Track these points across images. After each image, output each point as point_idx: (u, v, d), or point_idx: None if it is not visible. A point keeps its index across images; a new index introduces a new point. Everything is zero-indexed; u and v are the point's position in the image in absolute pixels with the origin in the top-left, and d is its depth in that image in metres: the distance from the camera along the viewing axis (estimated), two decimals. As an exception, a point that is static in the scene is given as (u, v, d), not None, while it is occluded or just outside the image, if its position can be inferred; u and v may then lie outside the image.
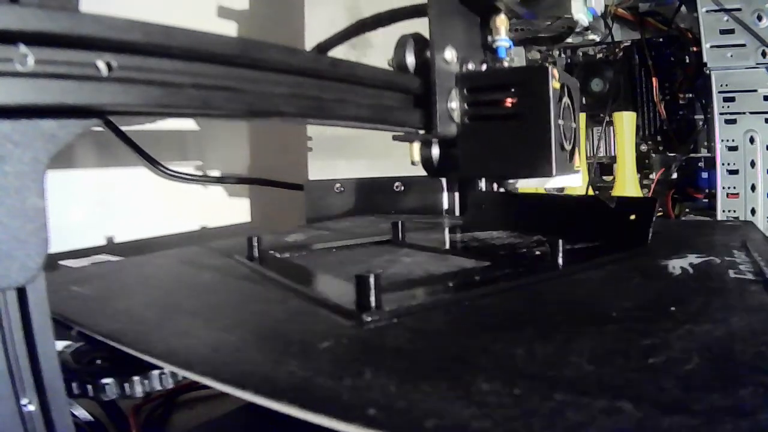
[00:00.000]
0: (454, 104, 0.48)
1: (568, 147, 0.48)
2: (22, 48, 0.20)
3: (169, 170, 0.85)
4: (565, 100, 0.47)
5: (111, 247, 0.75)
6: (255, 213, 1.03)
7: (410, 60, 0.46)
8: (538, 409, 0.18)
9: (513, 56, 0.53)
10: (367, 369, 0.21)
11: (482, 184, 0.61)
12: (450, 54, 0.47)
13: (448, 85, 0.47)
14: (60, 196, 0.70)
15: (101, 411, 0.42)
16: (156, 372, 0.26)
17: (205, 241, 0.58)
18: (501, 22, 0.50)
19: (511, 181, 0.56)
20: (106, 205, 0.76)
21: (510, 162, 0.47)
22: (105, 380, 0.27)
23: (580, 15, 0.57)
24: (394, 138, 0.49)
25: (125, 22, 0.23)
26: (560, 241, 0.37)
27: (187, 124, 0.92)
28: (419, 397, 0.19)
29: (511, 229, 0.54)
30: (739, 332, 0.25)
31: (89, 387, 0.27)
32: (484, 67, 0.51)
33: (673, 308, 0.29)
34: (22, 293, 0.22)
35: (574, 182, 0.52)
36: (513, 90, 0.46)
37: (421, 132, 0.47)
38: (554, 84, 0.45)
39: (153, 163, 0.82)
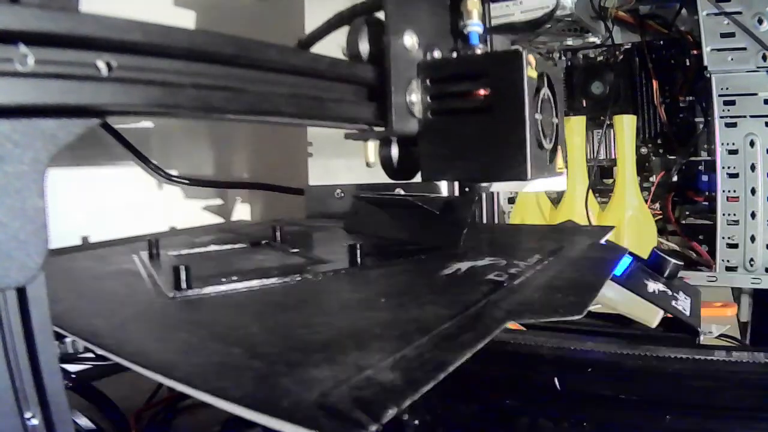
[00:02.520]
0: (415, 97, 0.42)
1: (547, 146, 0.42)
2: (22, 48, 0.20)
3: (169, 174, 0.85)
4: (545, 91, 0.42)
5: (86, 246, 0.74)
6: (255, 216, 1.03)
7: (363, 47, 0.41)
8: (194, 348, 0.27)
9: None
10: (139, 324, 0.32)
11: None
12: (410, 40, 0.41)
13: (408, 74, 0.42)
14: (60, 197, 0.70)
15: (103, 417, 0.43)
16: (69, 339, 0.34)
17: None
18: (473, 4, 0.44)
19: (484, 184, 0.52)
20: (104, 208, 0.77)
21: (478, 163, 0.41)
22: None
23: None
24: (347, 136, 0.44)
25: (125, 22, 0.23)
26: (359, 244, 0.44)
27: (186, 126, 0.92)
28: (155, 344, 0.28)
29: (375, 231, 0.60)
30: (393, 321, 0.30)
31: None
32: (454, 55, 0.45)
33: (383, 300, 0.34)
34: (21, 293, 0.22)
35: (558, 185, 0.49)
36: (482, 79, 0.40)
37: (377, 129, 0.42)
38: (530, 71, 0.39)
39: (152, 166, 0.82)
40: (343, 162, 0.83)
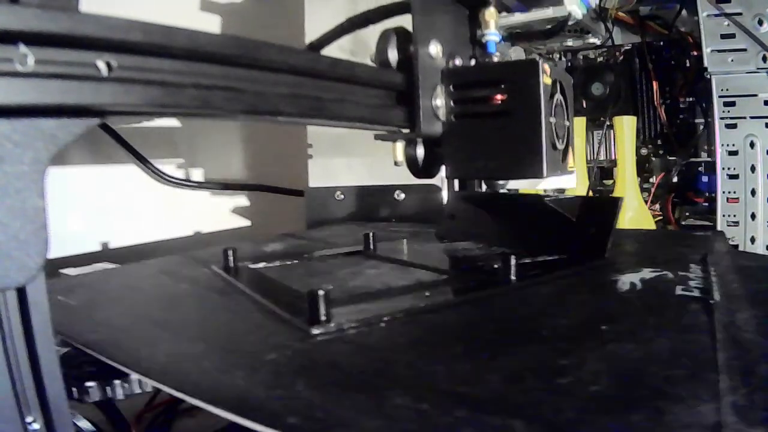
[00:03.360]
0: (439, 101, 0.45)
1: (560, 146, 0.45)
2: (22, 48, 0.20)
3: (169, 177, 0.85)
4: (558, 96, 0.45)
5: (107, 253, 0.74)
6: (256, 217, 1.03)
7: (392, 55, 0.44)
8: (437, 424, 0.19)
9: (512, 54, 0.51)
10: (300, 380, 0.23)
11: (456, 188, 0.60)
12: (435, 48, 0.45)
13: (433, 81, 0.45)
14: (59, 197, 0.70)
15: (103, 419, 0.43)
16: (135, 376, 0.27)
17: (197, 247, 0.59)
18: (490, 15, 0.48)
19: (500, 182, 0.53)
20: (104, 209, 0.76)
21: (498, 162, 0.44)
22: (88, 384, 0.28)
23: (573, 6, 0.55)
24: (376, 137, 0.47)
25: (125, 22, 0.23)
26: (512, 257, 0.38)
27: (186, 127, 0.92)
28: (337, 408, 0.21)
29: (481, 238, 0.54)
30: (659, 354, 0.25)
31: (74, 390, 0.28)
32: (473, 62, 0.49)
33: (604, 327, 0.29)
34: (22, 293, 0.21)
35: (568, 183, 0.50)
36: (501, 86, 0.44)
37: (404, 131, 0.45)
38: (545, 79, 0.43)
39: (151, 168, 0.82)
40: (343, 163, 0.83)
